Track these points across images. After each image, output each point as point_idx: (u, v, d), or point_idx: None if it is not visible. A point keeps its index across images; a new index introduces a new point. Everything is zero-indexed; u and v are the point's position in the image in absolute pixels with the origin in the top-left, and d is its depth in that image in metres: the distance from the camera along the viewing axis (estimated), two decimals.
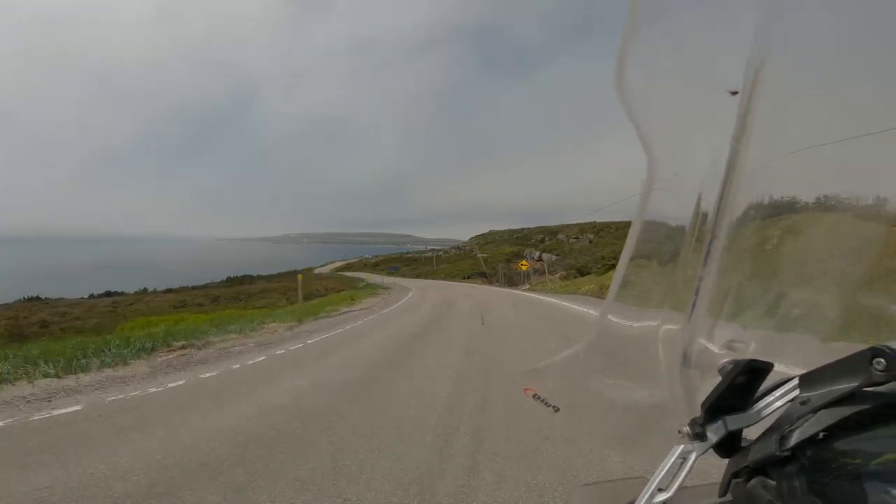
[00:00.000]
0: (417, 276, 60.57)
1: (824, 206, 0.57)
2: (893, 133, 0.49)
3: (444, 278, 55.59)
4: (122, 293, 43.86)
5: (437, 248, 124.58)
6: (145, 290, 47.66)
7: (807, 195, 0.58)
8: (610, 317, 0.65)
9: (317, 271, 68.22)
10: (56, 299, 39.63)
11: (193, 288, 48.69)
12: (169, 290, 43.88)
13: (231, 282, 57.19)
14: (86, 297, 42.12)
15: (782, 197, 0.58)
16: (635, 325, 0.66)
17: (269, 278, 59.89)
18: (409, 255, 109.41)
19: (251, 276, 63.46)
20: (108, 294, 43.01)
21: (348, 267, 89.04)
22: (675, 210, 0.63)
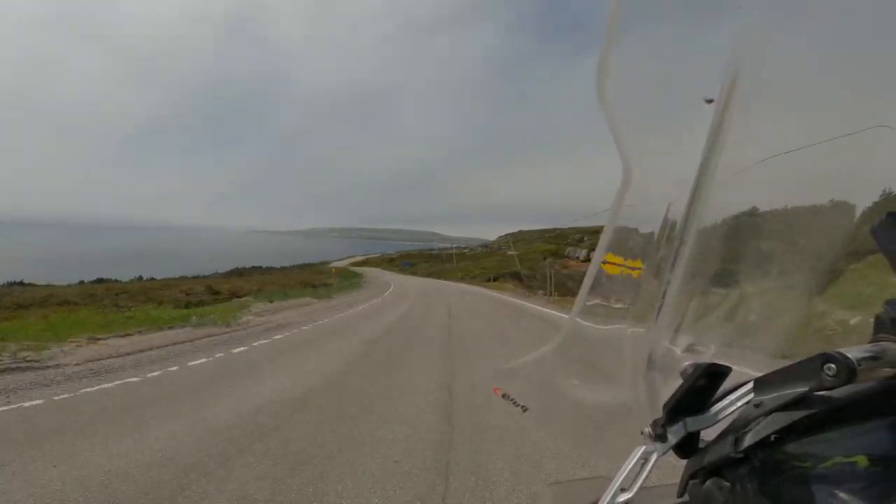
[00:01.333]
0: (430, 275, 55.09)
1: (787, 215, 0.58)
2: (855, 141, 0.50)
3: (462, 278, 48.53)
4: (118, 280, 41.91)
5: (462, 246, 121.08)
6: (140, 277, 44.88)
7: (771, 204, 0.59)
8: (579, 319, 0.67)
9: (332, 265, 64.32)
10: (44, 285, 36.41)
11: (194, 278, 45.26)
12: (144, 279, 41.22)
13: (230, 274, 53.85)
14: (76, 283, 39.37)
15: (748, 206, 0.60)
16: (604, 327, 0.67)
17: (270, 271, 56.54)
18: (432, 252, 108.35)
19: (259, 268, 60.54)
20: (100, 281, 41.21)
21: (367, 262, 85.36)
22: (647, 216, 0.64)
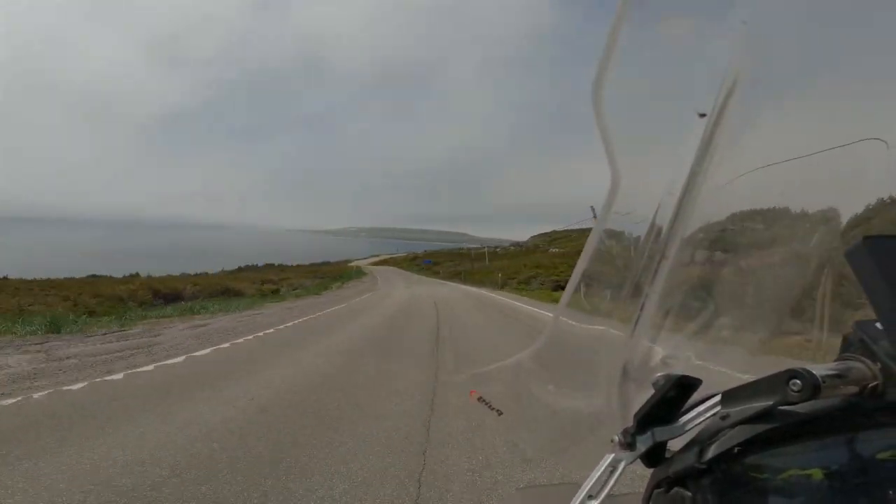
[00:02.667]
0: (453, 276, 47.31)
1: (765, 234, 0.60)
2: (838, 158, 0.51)
3: (508, 286, 35.23)
4: (111, 276, 39.75)
5: (493, 245, 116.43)
6: (137, 274, 42.64)
7: (752, 223, 0.60)
8: (557, 327, 0.68)
9: (353, 263, 60.35)
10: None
11: (196, 275, 42.61)
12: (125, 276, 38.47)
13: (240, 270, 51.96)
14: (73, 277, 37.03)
15: (731, 223, 0.60)
16: (582, 335, 0.68)
17: (283, 268, 54.59)
18: (461, 251, 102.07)
19: (272, 265, 59.46)
20: (93, 277, 39.15)
21: (391, 260, 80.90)
22: (632, 226, 0.64)
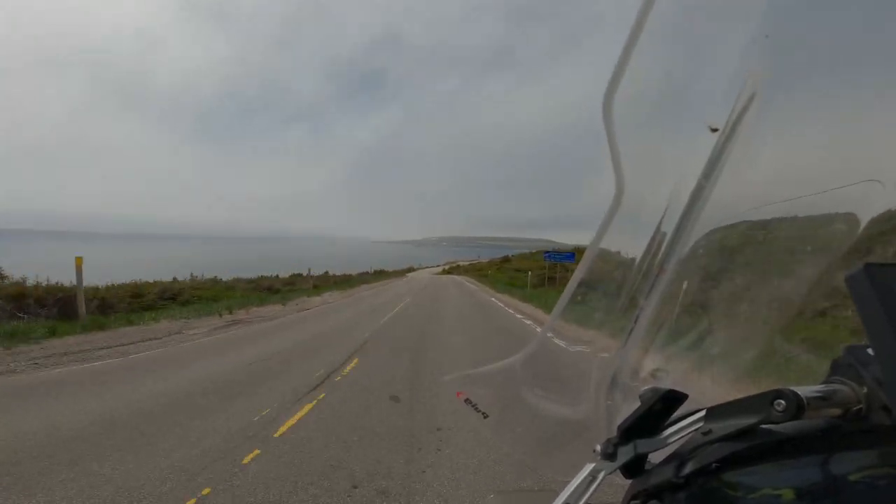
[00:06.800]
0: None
1: (765, 254, 0.59)
2: (843, 191, 0.50)
3: None
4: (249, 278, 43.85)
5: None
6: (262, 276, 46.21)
7: (753, 243, 0.59)
8: (551, 334, 0.68)
9: (413, 275, 57.64)
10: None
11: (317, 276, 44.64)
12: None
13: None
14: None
15: (731, 238, 0.59)
16: (574, 344, 0.68)
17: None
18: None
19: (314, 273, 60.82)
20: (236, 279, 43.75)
21: (457, 268, 76.64)
22: (631, 239, 0.64)
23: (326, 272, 38.79)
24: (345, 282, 33.21)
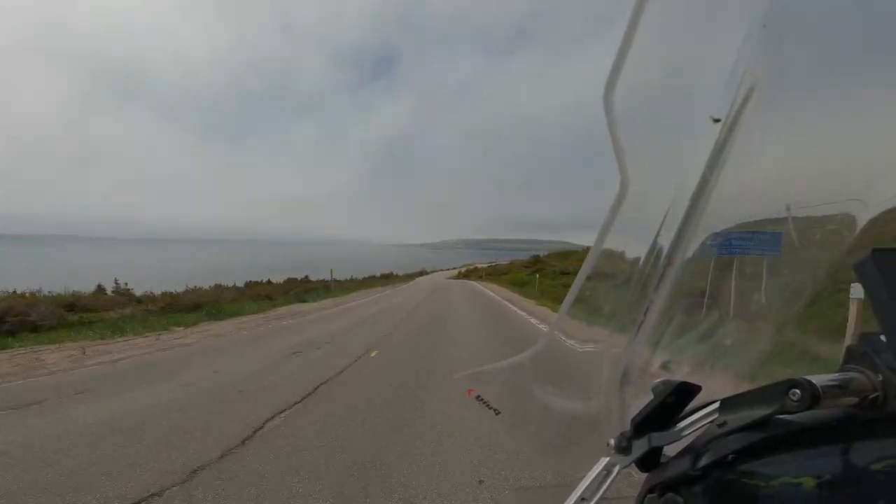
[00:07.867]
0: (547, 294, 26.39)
1: (774, 240, 0.59)
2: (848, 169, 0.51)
3: None
4: (270, 282, 44.55)
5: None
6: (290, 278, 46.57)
7: (762, 229, 0.59)
8: (560, 330, 0.68)
9: (422, 279, 54.19)
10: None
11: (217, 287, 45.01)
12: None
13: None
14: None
15: (738, 228, 0.59)
16: (583, 339, 0.68)
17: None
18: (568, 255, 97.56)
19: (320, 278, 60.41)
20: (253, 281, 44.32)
21: (474, 271, 73.72)
22: (638, 232, 0.63)
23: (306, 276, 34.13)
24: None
